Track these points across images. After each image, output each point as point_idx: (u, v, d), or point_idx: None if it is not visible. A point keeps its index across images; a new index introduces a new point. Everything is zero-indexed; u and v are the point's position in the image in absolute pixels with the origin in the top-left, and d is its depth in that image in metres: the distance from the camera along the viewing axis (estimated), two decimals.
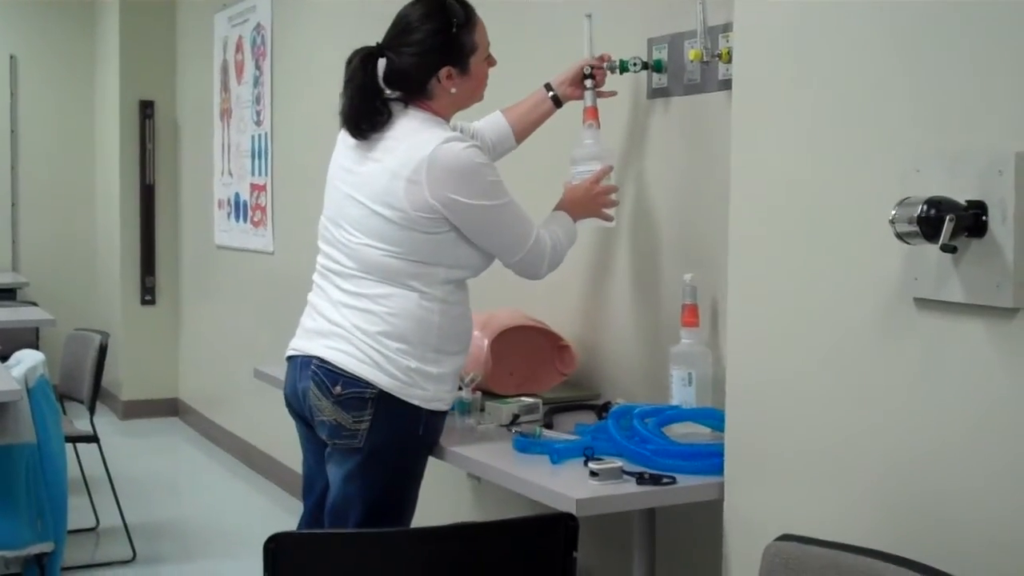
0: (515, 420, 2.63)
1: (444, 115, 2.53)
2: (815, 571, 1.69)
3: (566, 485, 2.15)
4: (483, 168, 2.43)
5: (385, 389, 2.40)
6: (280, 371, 2.71)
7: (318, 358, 2.47)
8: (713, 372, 2.54)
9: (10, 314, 5.69)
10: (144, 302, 7.41)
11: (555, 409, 2.78)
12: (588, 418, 2.70)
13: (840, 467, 1.87)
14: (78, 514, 4.46)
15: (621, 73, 2.82)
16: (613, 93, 2.86)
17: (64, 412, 4.32)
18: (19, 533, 3.48)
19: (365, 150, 2.48)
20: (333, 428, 2.45)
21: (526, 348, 2.96)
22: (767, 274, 2.02)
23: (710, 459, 2.20)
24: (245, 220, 6.10)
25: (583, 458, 2.27)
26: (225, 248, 6.45)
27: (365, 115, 2.47)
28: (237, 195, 6.21)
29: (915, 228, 1.61)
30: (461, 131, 2.67)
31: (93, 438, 4.49)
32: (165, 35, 7.37)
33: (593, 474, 2.16)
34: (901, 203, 1.64)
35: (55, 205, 8.14)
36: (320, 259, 2.57)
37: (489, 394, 2.81)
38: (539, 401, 2.72)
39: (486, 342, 2.84)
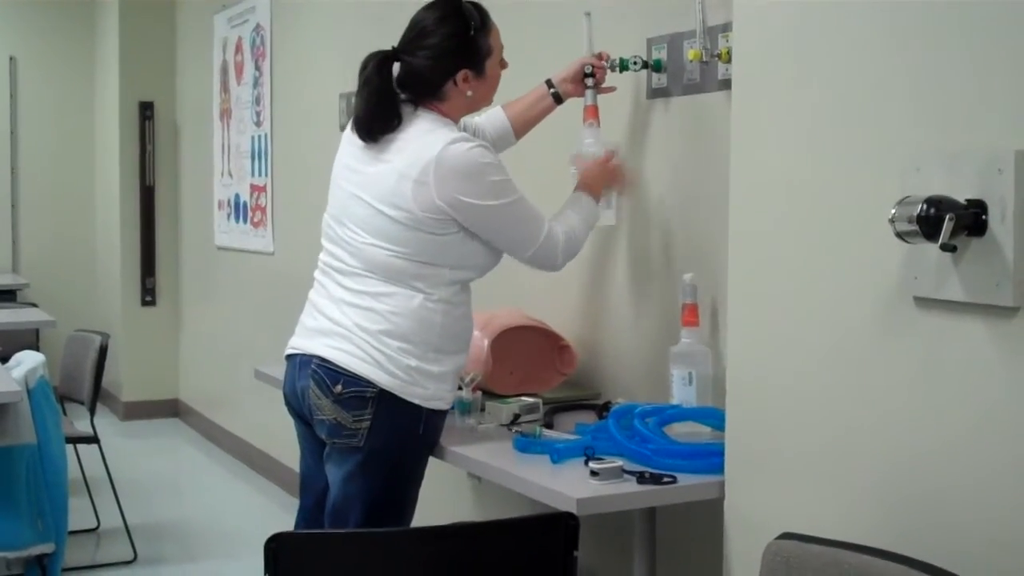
0: (515, 420, 2.63)
1: (454, 117, 2.54)
2: (816, 569, 1.69)
3: (567, 485, 2.15)
4: (489, 167, 2.43)
5: (385, 388, 2.40)
6: (280, 371, 2.71)
7: (319, 357, 2.47)
8: (713, 371, 2.54)
9: (10, 315, 5.68)
10: (144, 303, 7.40)
11: (555, 409, 2.78)
12: (588, 418, 2.71)
13: (840, 466, 1.87)
14: (79, 515, 4.46)
15: (621, 71, 2.82)
16: (612, 89, 2.86)
17: (64, 413, 4.33)
18: (20, 534, 3.48)
19: (374, 151, 2.48)
20: (333, 427, 2.45)
21: (526, 348, 2.96)
22: (767, 274, 2.03)
23: (710, 458, 2.20)
24: (245, 221, 6.09)
25: (583, 458, 2.27)
26: (225, 249, 6.45)
27: (379, 118, 2.47)
28: (237, 196, 6.21)
29: (915, 227, 1.61)
30: (464, 128, 2.67)
31: (94, 439, 4.48)
32: (165, 36, 7.37)
33: (594, 473, 2.16)
34: (901, 202, 1.64)
35: (55, 206, 8.13)
36: (323, 256, 2.58)
37: (489, 394, 2.81)
38: (539, 401, 2.72)
39: (486, 342, 2.84)
